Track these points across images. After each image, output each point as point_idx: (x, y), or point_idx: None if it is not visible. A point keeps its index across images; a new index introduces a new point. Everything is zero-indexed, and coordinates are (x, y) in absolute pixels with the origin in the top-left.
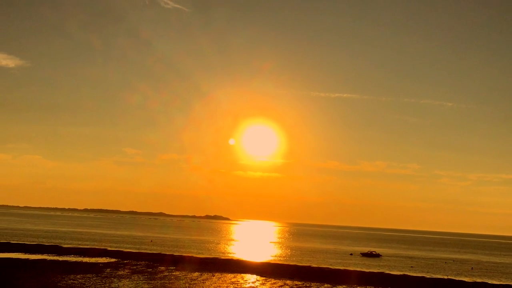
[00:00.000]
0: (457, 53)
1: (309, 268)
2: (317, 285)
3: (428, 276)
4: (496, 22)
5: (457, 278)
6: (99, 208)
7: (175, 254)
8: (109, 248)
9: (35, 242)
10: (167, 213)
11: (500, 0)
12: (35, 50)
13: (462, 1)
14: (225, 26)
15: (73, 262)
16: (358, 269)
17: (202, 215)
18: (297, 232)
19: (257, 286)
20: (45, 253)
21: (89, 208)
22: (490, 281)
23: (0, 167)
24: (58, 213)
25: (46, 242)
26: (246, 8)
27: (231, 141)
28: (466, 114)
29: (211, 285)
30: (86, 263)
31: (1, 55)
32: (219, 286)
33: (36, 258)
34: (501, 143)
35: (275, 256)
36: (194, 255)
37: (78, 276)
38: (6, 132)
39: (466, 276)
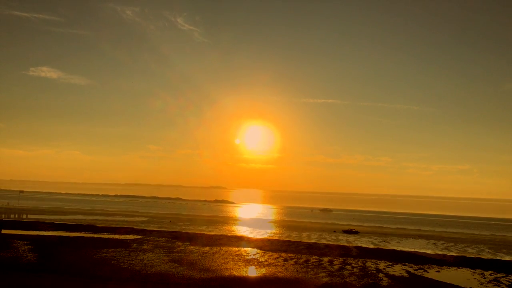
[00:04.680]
0: (422, 67)
1: (300, 243)
2: (307, 256)
3: (398, 249)
4: (452, 43)
5: (421, 251)
6: (127, 194)
7: (189, 232)
8: (136, 227)
9: (75, 222)
10: (183, 198)
11: (455, 24)
12: (74, 64)
13: (425, 25)
14: (231, 45)
15: (106, 238)
16: (340, 243)
17: (212, 200)
18: (290, 213)
19: (257, 258)
20: (82, 231)
21: (118, 194)
22: (449, 253)
23: (46, 161)
24: (93, 198)
25: (83, 222)
26: (248, 31)
27: (237, 141)
28: (429, 116)
29: (219, 257)
30: (116, 239)
31: (46, 68)
32: (226, 258)
33: (75, 235)
34: (458, 140)
35: (272, 233)
36: (206, 233)
37: (110, 250)
38: (50, 132)
39: (429, 249)
